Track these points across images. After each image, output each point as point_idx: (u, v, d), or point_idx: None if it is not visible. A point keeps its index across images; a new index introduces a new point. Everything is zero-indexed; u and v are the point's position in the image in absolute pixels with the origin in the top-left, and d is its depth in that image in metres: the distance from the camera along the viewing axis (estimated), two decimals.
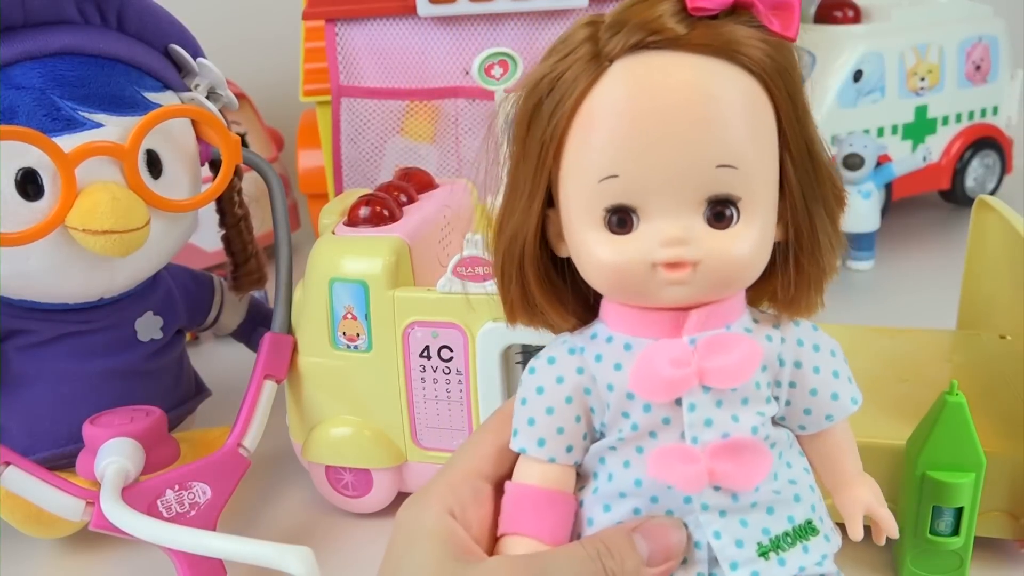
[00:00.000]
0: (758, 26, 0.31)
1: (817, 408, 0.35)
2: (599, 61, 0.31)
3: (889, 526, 0.37)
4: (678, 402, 0.33)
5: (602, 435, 0.35)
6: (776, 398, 0.35)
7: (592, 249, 0.32)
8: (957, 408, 0.43)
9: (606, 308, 0.35)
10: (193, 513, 0.48)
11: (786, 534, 0.34)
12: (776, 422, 0.35)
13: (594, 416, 0.35)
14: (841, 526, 0.37)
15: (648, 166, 0.31)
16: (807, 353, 0.35)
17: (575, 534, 0.35)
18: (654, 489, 0.34)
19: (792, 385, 0.35)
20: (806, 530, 0.35)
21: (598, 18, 0.32)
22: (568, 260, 0.34)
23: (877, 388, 0.51)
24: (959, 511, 0.44)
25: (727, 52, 0.31)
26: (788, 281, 0.34)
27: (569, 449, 0.35)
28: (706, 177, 0.31)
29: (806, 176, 0.33)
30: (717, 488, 0.33)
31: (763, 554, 0.34)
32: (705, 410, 0.33)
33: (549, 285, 0.35)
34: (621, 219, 0.32)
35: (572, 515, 0.35)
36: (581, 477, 0.36)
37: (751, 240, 0.32)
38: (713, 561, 0.34)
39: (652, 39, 0.31)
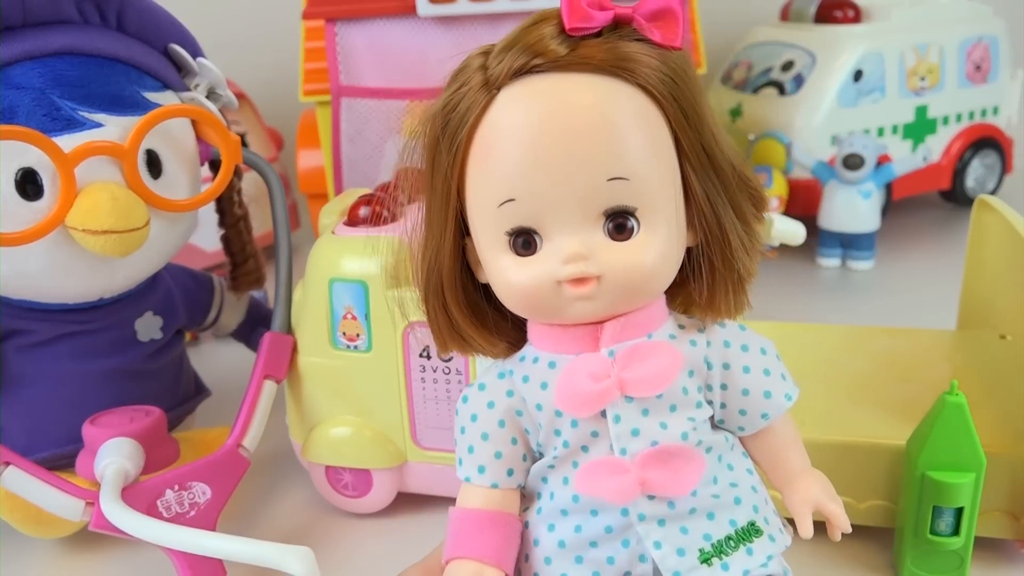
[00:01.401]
0: (641, 39, 0.31)
1: (751, 408, 0.36)
2: (488, 89, 0.32)
3: (840, 521, 0.36)
4: (604, 414, 0.33)
5: (540, 455, 0.35)
6: (709, 402, 0.35)
7: (502, 273, 0.33)
8: (957, 408, 0.43)
9: (531, 329, 0.35)
10: (193, 513, 0.48)
11: (728, 538, 0.34)
12: (715, 425, 0.36)
13: (530, 437, 0.35)
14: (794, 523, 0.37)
15: (541, 186, 0.31)
16: (735, 354, 0.35)
17: (522, 555, 0.36)
18: (592, 503, 0.34)
19: (723, 387, 0.35)
20: (749, 532, 0.35)
21: (491, 47, 0.33)
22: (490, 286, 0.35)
23: (877, 388, 0.51)
24: (959, 511, 0.44)
25: (611, 68, 0.31)
26: (702, 285, 0.34)
27: (510, 472, 0.35)
28: (599, 191, 0.31)
29: (707, 181, 0.33)
30: (652, 497, 0.33)
31: (705, 560, 0.34)
32: (631, 420, 0.33)
33: (472, 312, 0.35)
34: (526, 241, 0.32)
35: (517, 536, 0.35)
36: (526, 498, 0.36)
37: (654, 249, 0.32)
38: (657, 572, 0.34)
39: (536, 62, 0.31)
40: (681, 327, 0.35)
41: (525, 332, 0.36)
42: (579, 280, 0.32)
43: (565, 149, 0.31)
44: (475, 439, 0.35)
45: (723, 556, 0.34)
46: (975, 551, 0.45)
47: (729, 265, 0.34)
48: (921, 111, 0.92)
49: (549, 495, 0.35)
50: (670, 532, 0.34)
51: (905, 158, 0.89)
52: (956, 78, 0.93)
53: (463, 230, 0.35)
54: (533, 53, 0.31)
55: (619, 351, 0.33)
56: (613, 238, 0.32)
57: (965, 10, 0.96)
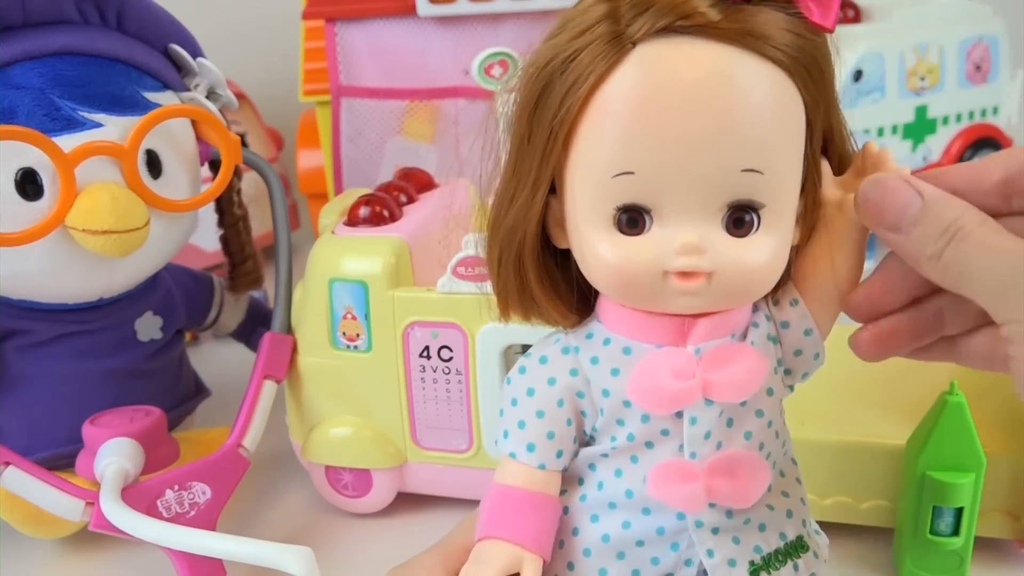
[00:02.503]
0: (794, 14, 0.28)
1: (798, 367, 0.34)
2: (620, 43, 0.28)
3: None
4: (678, 413, 0.31)
5: (592, 440, 0.33)
6: (781, 377, 0.33)
7: (597, 248, 0.30)
8: (957, 408, 0.43)
9: (605, 307, 0.33)
10: (193, 513, 0.48)
11: (778, 552, 0.33)
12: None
13: (585, 420, 0.33)
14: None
15: (668, 165, 0.28)
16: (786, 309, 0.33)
17: (558, 541, 0.34)
18: (646, 501, 0.32)
19: (796, 353, 0.33)
20: (797, 547, 0.34)
21: None
22: (567, 251, 0.32)
23: (877, 388, 0.51)
24: (959, 511, 0.44)
25: (759, 44, 0.28)
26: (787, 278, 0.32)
27: (559, 454, 0.33)
28: (730, 181, 0.28)
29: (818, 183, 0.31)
30: (712, 505, 0.32)
31: (754, 573, 0.33)
32: (706, 424, 0.31)
33: (548, 278, 0.33)
34: (632, 219, 0.29)
35: (556, 522, 0.33)
36: (567, 481, 0.34)
37: (769, 250, 0.30)
38: None
39: (681, 23, 0.28)
40: (756, 324, 0.33)
41: (592, 305, 0.33)
42: (689, 274, 0.29)
43: (703, 128, 0.28)
44: (528, 414, 0.33)
45: (771, 571, 0.33)
46: (975, 551, 0.45)
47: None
48: (921, 111, 0.92)
49: (596, 484, 0.33)
50: (723, 541, 0.32)
51: (905, 158, 0.89)
52: (956, 78, 0.93)
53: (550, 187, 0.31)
54: (680, 13, 0.27)
55: (706, 350, 0.31)
56: (730, 232, 0.29)
57: (965, 10, 0.96)
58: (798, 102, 0.29)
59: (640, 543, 0.33)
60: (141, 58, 0.53)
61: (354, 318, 0.51)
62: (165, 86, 0.55)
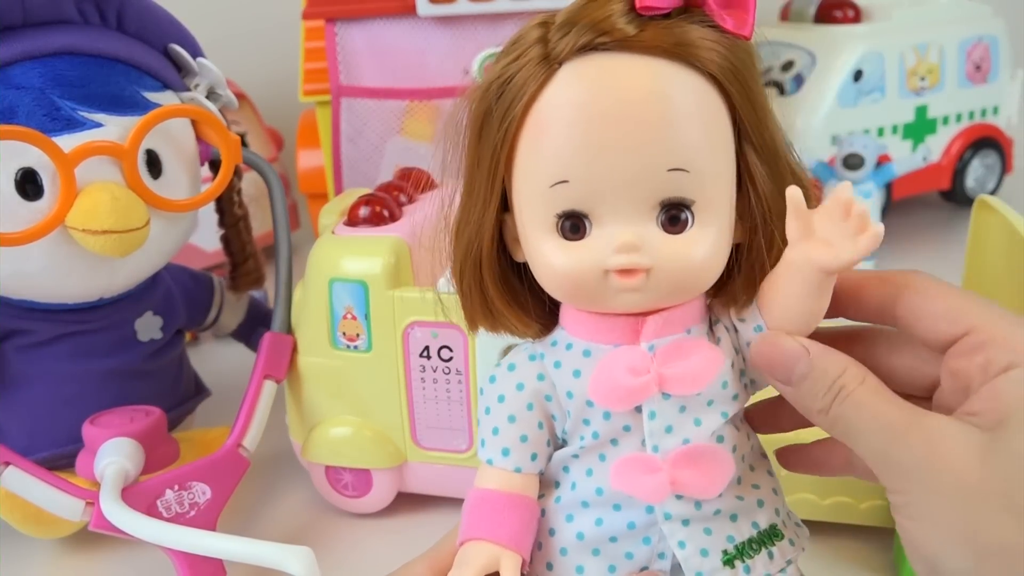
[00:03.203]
0: (712, 25, 0.30)
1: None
2: (548, 63, 0.30)
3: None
4: (638, 408, 0.33)
5: (564, 442, 0.35)
6: (746, 385, 0.34)
7: (545, 255, 0.32)
8: None
9: (565, 314, 0.34)
10: (193, 513, 0.48)
11: (751, 541, 0.34)
12: (740, 422, 0.35)
13: (556, 423, 0.34)
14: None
15: (598, 171, 0.30)
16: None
17: (535, 543, 0.35)
18: (616, 498, 0.33)
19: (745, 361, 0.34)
20: (771, 535, 0.34)
21: (550, 18, 0.32)
22: (527, 264, 0.34)
23: None
24: None
25: (678, 53, 0.30)
26: (748, 281, 0.33)
27: (533, 457, 0.34)
28: (658, 181, 0.30)
29: (768, 174, 0.32)
30: (680, 497, 0.33)
31: (728, 562, 0.33)
32: (666, 417, 0.33)
33: (508, 290, 0.34)
34: (574, 225, 0.31)
35: (535, 521, 0.34)
36: (544, 485, 0.35)
37: (706, 244, 0.31)
38: (676, 569, 0.33)
39: (601, 40, 0.30)
40: (716, 320, 0.34)
41: (557, 315, 0.35)
42: (628, 271, 0.31)
43: (627, 134, 0.30)
44: (501, 420, 0.34)
45: (745, 559, 0.33)
46: None
47: (771, 260, 0.33)
48: (921, 111, 0.92)
49: (570, 485, 0.34)
50: (694, 532, 0.33)
51: (905, 158, 0.89)
52: (956, 78, 0.93)
53: (504, 206, 0.33)
54: (600, 31, 0.30)
55: (659, 346, 0.32)
56: (666, 230, 0.31)
57: (965, 10, 0.96)
58: (720, 105, 0.31)
59: (613, 539, 0.34)
60: (141, 58, 0.53)
61: (354, 318, 0.51)
62: (165, 86, 0.55)
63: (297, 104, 0.82)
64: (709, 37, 0.30)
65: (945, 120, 0.94)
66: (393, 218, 0.54)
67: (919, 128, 0.93)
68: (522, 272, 0.34)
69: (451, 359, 0.50)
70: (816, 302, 0.32)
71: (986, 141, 0.97)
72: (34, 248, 0.48)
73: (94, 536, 0.49)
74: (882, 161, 0.85)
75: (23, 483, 0.47)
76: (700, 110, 0.30)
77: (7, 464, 0.47)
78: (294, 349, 0.55)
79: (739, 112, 0.31)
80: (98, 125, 0.49)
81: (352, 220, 0.54)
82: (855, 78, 0.88)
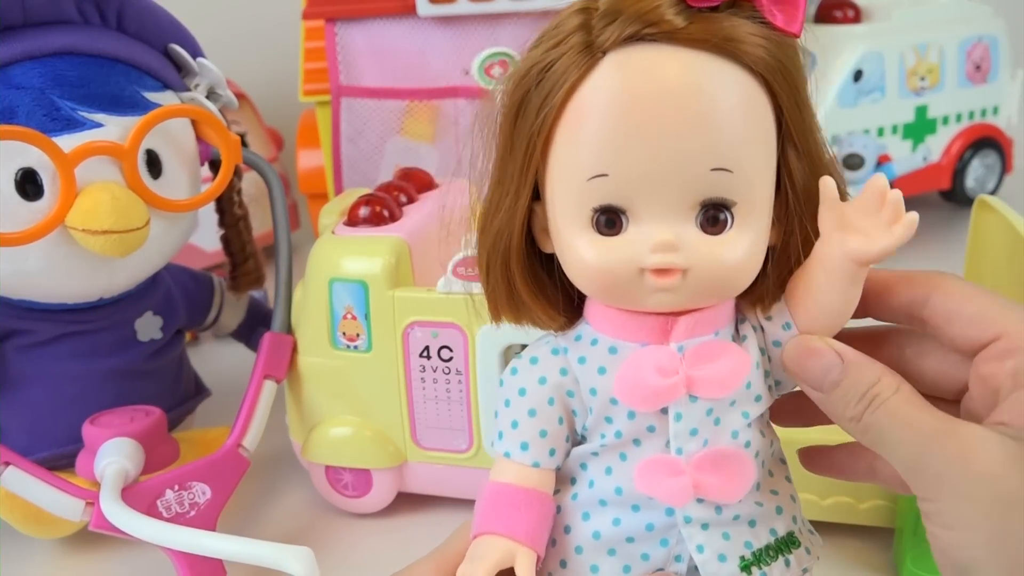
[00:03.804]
0: (760, 21, 0.29)
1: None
2: (591, 52, 0.29)
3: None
4: (664, 410, 0.32)
5: (583, 439, 0.34)
6: (770, 387, 0.34)
7: (578, 249, 0.31)
8: None
9: (591, 309, 0.34)
10: (193, 513, 0.48)
11: (768, 548, 0.33)
12: (763, 426, 0.34)
13: (576, 419, 0.34)
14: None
15: (640, 166, 0.29)
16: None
17: (550, 540, 0.34)
18: (635, 498, 0.33)
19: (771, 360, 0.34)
20: (788, 543, 0.34)
21: (592, 4, 0.30)
22: (554, 256, 0.33)
23: None
24: None
25: (726, 48, 0.29)
26: (779, 283, 0.33)
27: (552, 452, 0.34)
28: (701, 180, 0.29)
29: (807, 177, 0.31)
30: (700, 500, 0.32)
31: (745, 568, 0.33)
32: (692, 420, 0.32)
33: (535, 282, 0.34)
34: (609, 220, 0.30)
35: (551, 518, 0.34)
36: (560, 480, 0.35)
37: (744, 247, 0.30)
38: (692, 572, 0.33)
39: (648, 31, 0.29)
40: (742, 319, 0.33)
41: (579, 309, 0.34)
42: (664, 271, 0.30)
43: (671, 130, 0.29)
44: (521, 414, 0.33)
45: (762, 566, 0.33)
46: None
47: (802, 262, 0.32)
48: (921, 111, 0.92)
49: (588, 483, 0.34)
50: (712, 536, 0.32)
51: (905, 158, 0.89)
52: (956, 78, 0.93)
53: (534, 195, 0.32)
54: (647, 21, 0.29)
55: (688, 348, 0.32)
56: (704, 230, 0.30)
57: (965, 10, 0.96)
58: (766, 103, 0.30)
59: (630, 539, 0.33)
60: (141, 58, 0.53)
61: (354, 318, 0.51)
62: (165, 86, 0.55)
63: (297, 104, 0.82)
64: (758, 33, 0.29)
65: (945, 120, 0.94)
66: (393, 218, 0.54)
67: (919, 128, 0.93)
68: (547, 263, 0.34)
69: (451, 359, 0.50)
70: (848, 296, 0.32)
71: (986, 141, 0.97)
72: (34, 248, 0.48)
73: (94, 536, 0.49)
74: (882, 161, 0.85)
75: (23, 483, 0.47)
76: (746, 109, 0.30)
77: (7, 464, 0.47)
78: (294, 349, 0.55)
79: (784, 112, 0.30)
80: (98, 125, 0.49)
81: (352, 220, 0.54)
82: (855, 78, 0.88)
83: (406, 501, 0.55)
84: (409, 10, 0.75)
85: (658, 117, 0.29)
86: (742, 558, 0.33)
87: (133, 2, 0.54)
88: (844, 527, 0.49)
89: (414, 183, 0.59)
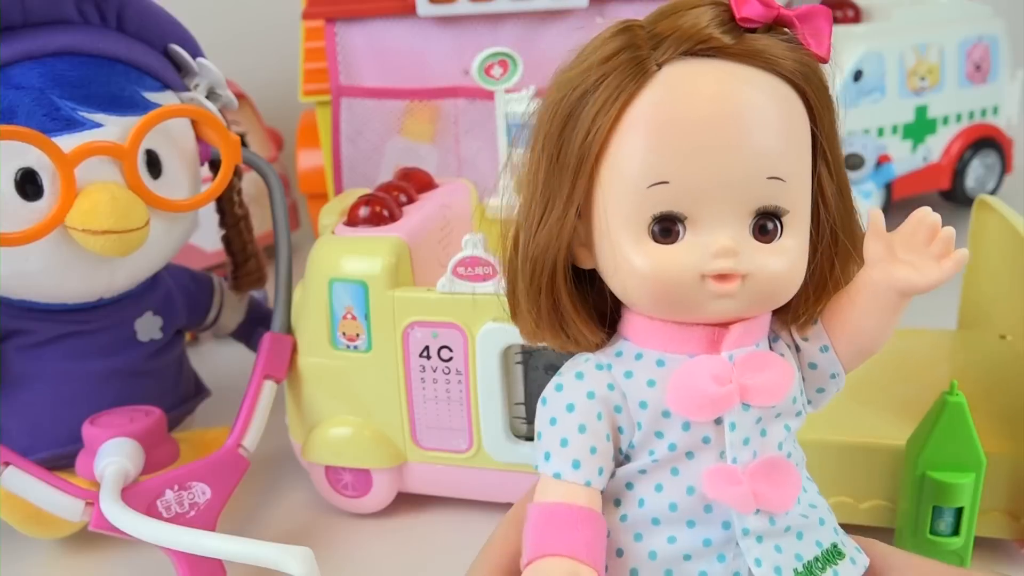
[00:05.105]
0: (794, 43, 0.31)
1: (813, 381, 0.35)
2: (645, 66, 0.30)
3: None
4: (718, 421, 0.32)
5: (628, 457, 0.33)
6: (807, 402, 0.34)
7: (633, 259, 0.31)
8: (957, 408, 0.43)
9: (632, 324, 0.33)
10: (193, 513, 0.48)
11: (816, 559, 0.33)
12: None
13: (622, 436, 0.33)
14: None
15: (700, 173, 0.30)
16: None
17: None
18: (691, 514, 0.32)
19: (811, 367, 0.35)
20: (833, 554, 0.34)
21: (633, 25, 0.32)
22: (588, 273, 0.33)
23: (877, 388, 0.51)
24: (959, 511, 0.44)
25: (774, 64, 0.30)
26: (809, 298, 0.33)
27: (600, 471, 0.33)
28: (757, 188, 0.30)
29: (836, 191, 0.33)
30: (757, 511, 0.32)
31: None
32: (745, 429, 0.32)
33: (579, 298, 0.33)
34: (665, 228, 0.31)
35: (605, 538, 0.32)
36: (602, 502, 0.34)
37: (793, 255, 0.31)
38: None
39: (700, 47, 0.30)
40: (775, 337, 0.34)
41: (609, 327, 0.34)
42: (725, 276, 0.30)
43: (732, 140, 0.30)
44: (570, 431, 0.33)
45: None
46: (975, 551, 0.45)
47: (835, 275, 0.33)
48: (921, 111, 0.92)
49: (637, 502, 0.33)
50: (767, 549, 0.32)
51: (905, 158, 0.89)
52: (956, 78, 0.93)
53: None
54: (700, 38, 0.30)
55: (738, 356, 0.32)
56: (756, 238, 0.31)
57: (965, 10, 0.96)
58: (806, 120, 0.31)
59: (687, 557, 0.33)
60: (141, 58, 0.53)
61: (354, 318, 0.51)
62: (165, 86, 0.55)
63: (297, 104, 0.82)
64: (798, 54, 0.31)
65: (945, 120, 0.94)
66: (393, 218, 0.54)
67: (919, 128, 0.93)
68: (583, 281, 0.34)
69: (451, 359, 0.50)
70: (886, 325, 0.33)
71: (986, 141, 0.97)
72: (34, 248, 0.48)
73: (94, 536, 0.49)
74: (882, 161, 0.85)
75: (23, 483, 0.47)
76: (793, 122, 0.31)
77: (7, 464, 0.47)
78: (294, 349, 0.55)
79: (820, 129, 0.32)
80: (98, 125, 0.49)
81: (352, 220, 0.54)
82: (855, 78, 0.88)
83: (406, 501, 0.55)
84: (409, 10, 0.75)
85: (718, 126, 0.30)
86: (795, 571, 0.33)
87: (133, 2, 0.54)
88: (844, 527, 0.49)
89: (414, 183, 0.59)
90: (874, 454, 0.47)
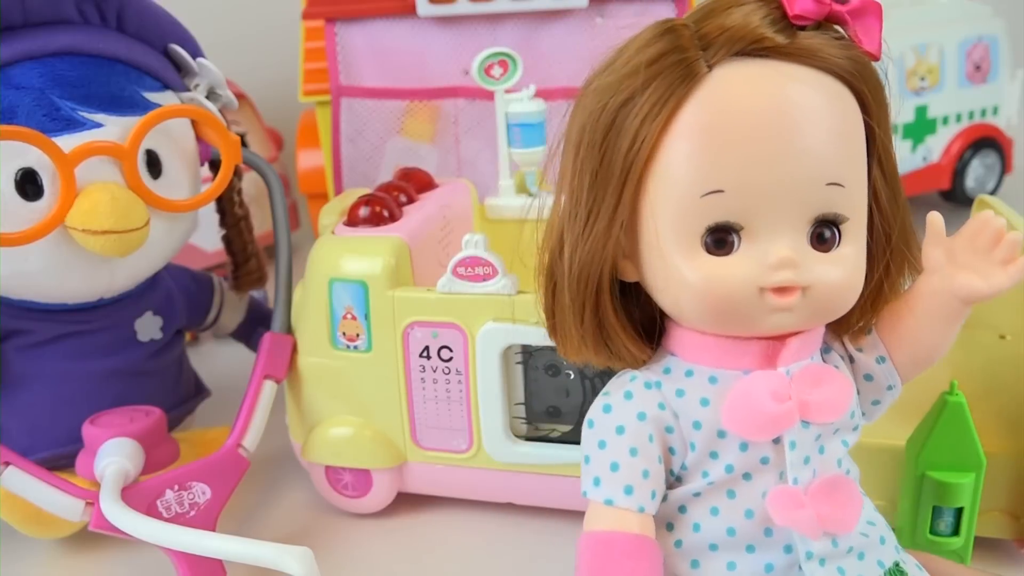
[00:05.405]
0: (845, 42, 0.29)
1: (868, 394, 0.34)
2: (694, 69, 0.29)
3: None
4: (775, 439, 0.30)
5: (679, 480, 0.32)
6: (861, 415, 0.33)
7: (684, 272, 0.29)
8: (957, 408, 0.43)
9: (681, 339, 0.32)
10: (193, 513, 0.48)
11: None
12: None
13: (673, 458, 0.32)
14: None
15: (758, 180, 0.28)
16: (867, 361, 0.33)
17: None
18: (751, 538, 0.31)
19: (867, 378, 0.33)
20: (896, 574, 0.33)
21: (677, 25, 0.30)
22: (631, 285, 0.32)
23: None
24: (959, 511, 0.44)
25: (828, 63, 0.29)
26: (863, 307, 0.32)
27: (653, 495, 0.31)
28: (817, 195, 0.29)
29: (890, 196, 0.31)
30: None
31: None
32: (805, 447, 0.30)
33: (624, 313, 0.32)
34: (719, 239, 0.29)
35: (662, 567, 0.31)
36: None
37: (852, 264, 0.30)
38: None
39: (752, 47, 0.29)
40: (827, 349, 0.32)
41: (655, 337, 0.33)
42: (785, 289, 0.29)
43: (791, 144, 0.28)
44: (621, 454, 0.31)
45: None
46: (975, 551, 0.45)
47: (891, 282, 0.32)
48: (921, 111, 0.92)
49: (691, 527, 0.32)
50: (830, 572, 0.31)
51: (905, 158, 0.89)
52: (956, 78, 0.93)
53: None
54: (753, 38, 0.29)
55: (795, 371, 0.30)
56: (813, 247, 0.29)
57: (965, 10, 0.96)
58: (860, 118, 0.30)
59: None
60: (141, 58, 0.53)
61: (354, 318, 0.51)
62: (165, 86, 0.55)
63: (297, 104, 0.82)
64: (852, 52, 0.29)
65: (945, 120, 0.94)
66: (393, 218, 0.54)
67: (919, 128, 0.93)
68: (626, 294, 0.32)
69: (451, 359, 0.50)
70: (946, 333, 0.32)
71: (986, 141, 0.97)
72: (34, 248, 0.48)
73: (94, 536, 0.49)
74: None
75: (23, 483, 0.47)
76: (851, 124, 0.29)
77: (7, 464, 0.47)
78: (294, 349, 0.55)
79: (876, 131, 0.30)
80: (98, 125, 0.49)
81: (352, 220, 0.54)
82: None
83: (406, 501, 0.55)
84: (409, 10, 0.75)
85: (776, 130, 0.28)
86: None
87: (133, 2, 0.54)
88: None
89: (414, 183, 0.59)
90: (874, 454, 0.47)
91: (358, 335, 0.52)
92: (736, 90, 0.29)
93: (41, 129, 0.47)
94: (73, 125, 0.49)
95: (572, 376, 0.49)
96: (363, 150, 0.79)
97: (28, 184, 0.48)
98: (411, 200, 0.57)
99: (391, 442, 0.53)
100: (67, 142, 0.47)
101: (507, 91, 0.60)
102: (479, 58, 0.59)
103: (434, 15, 0.75)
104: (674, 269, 0.30)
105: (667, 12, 0.74)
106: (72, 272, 0.50)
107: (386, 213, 0.54)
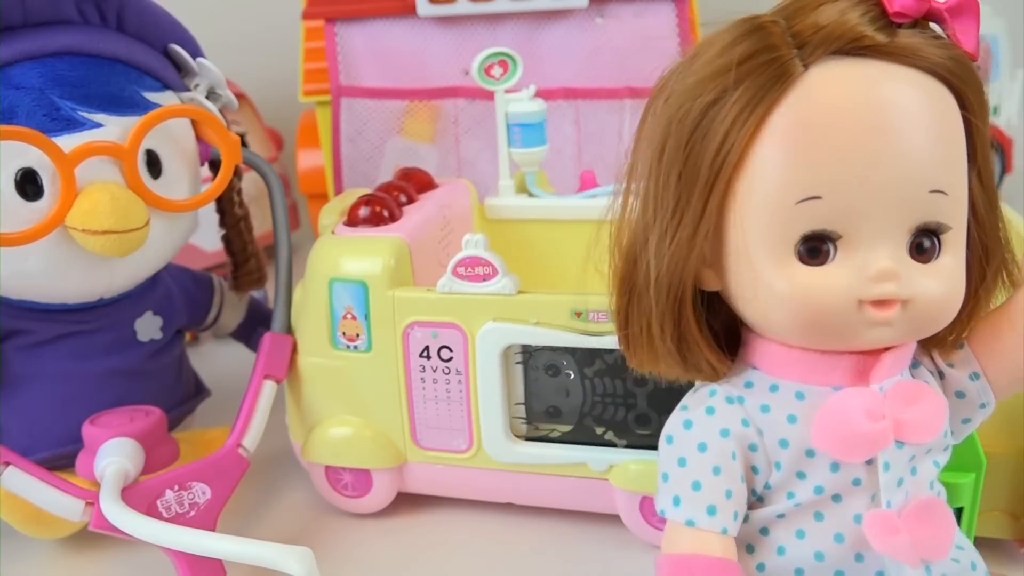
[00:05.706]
0: (943, 41, 0.28)
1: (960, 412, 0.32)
2: (788, 69, 0.27)
3: None
4: (869, 460, 0.29)
5: (761, 500, 0.30)
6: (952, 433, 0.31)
7: (775, 282, 0.28)
8: None
9: (764, 351, 0.30)
10: (193, 513, 0.48)
11: None
12: None
13: (756, 477, 0.30)
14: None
15: (858, 187, 0.27)
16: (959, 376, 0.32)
17: None
18: (840, 563, 0.29)
19: (959, 395, 0.32)
20: None
21: (766, 22, 0.28)
22: (710, 295, 0.30)
23: None
24: (959, 511, 0.44)
25: (930, 64, 0.27)
26: (970, 317, 0.30)
27: (736, 516, 0.30)
28: (919, 203, 0.27)
29: (987, 204, 0.30)
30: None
31: None
32: (899, 469, 0.29)
33: (705, 324, 0.30)
34: (813, 248, 0.28)
35: None
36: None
37: (954, 276, 0.28)
38: None
39: (851, 46, 0.27)
40: (916, 364, 0.31)
41: (732, 351, 0.31)
42: (885, 302, 0.27)
43: (893, 149, 0.27)
44: (704, 473, 0.29)
45: None
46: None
47: (988, 294, 0.30)
48: None
49: (775, 550, 0.30)
50: None
51: None
52: None
53: None
54: (852, 36, 0.27)
55: (888, 388, 0.29)
56: (912, 258, 0.28)
57: None
58: (960, 121, 0.28)
59: None
60: (141, 58, 0.53)
61: (354, 318, 0.51)
62: (165, 86, 0.55)
63: (297, 104, 0.82)
64: (952, 52, 0.28)
65: None
66: (393, 218, 0.54)
67: None
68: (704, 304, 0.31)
69: (451, 359, 0.50)
70: None
71: None
72: (34, 248, 0.48)
73: (94, 536, 0.49)
74: None
75: (23, 483, 0.47)
76: (952, 128, 0.28)
77: (7, 464, 0.47)
78: (294, 349, 0.55)
79: (975, 136, 0.29)
80: (98, 125, 0.49)
81: (352, 220, 0.54)
82: None
83: (406, 501, 0.55)
84: (409, 10, 0.75)
85: (878, 133, 0.27)
86: None
87: (133, 2, 0.54)
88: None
89: (414, 183, 0.59)
90: None
91: (358, 335, 0.52)
92: (835, 91, 0.27)
93: (41, 129, 0.47)
94: (73, 125, 0.49)
95: (572, 376, 0.49)
96: (363, 150, 0.79)
97: (28, 184, 0.48)
98: (411, 200, 0.57)
99: (391, 442, 0.53)
100: (67, 142, 0.47)
101: (507, 91, 0.60)
102: (479, 58, 0.59)
103: (434, 15, 0.75)
104: (764, 279, 0.28)
105: (667, 12, 0.74)
106: (72, 272, 0.50)
107: (386, 213, 0.54)
